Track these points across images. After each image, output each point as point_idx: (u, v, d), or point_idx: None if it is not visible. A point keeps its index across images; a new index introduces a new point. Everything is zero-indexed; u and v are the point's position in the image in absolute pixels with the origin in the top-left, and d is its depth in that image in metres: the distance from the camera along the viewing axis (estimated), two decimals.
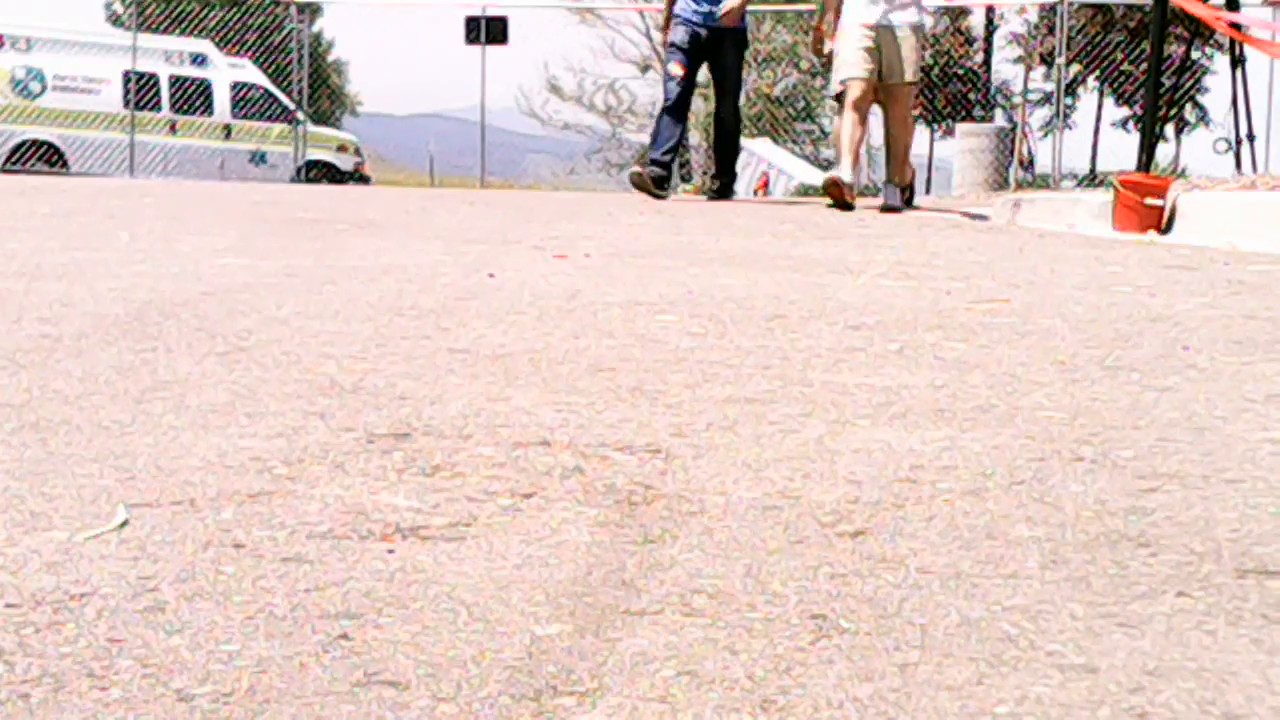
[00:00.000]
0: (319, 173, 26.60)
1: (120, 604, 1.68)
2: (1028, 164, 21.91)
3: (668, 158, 12.33)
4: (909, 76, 11.42)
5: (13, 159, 25.65)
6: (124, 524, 1.99)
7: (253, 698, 1.43)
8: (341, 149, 28.55)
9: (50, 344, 3.40)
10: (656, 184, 12.10)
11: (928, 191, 28.90)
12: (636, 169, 12.38)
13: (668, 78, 12.60)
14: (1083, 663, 1.56)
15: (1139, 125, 12.33)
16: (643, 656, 1.57)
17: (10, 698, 1.41)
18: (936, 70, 36.06)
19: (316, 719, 1.39)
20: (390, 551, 1.92)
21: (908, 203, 11.65)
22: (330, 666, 1.51)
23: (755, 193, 25.41)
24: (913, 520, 2.12)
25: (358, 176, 27.45)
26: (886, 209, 11.40)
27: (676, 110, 12.46)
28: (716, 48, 12.50)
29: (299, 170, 25.97)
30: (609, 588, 1.80)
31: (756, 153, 27.34)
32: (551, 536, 2.02)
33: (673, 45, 12.65)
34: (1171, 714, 1.43)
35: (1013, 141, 20.34)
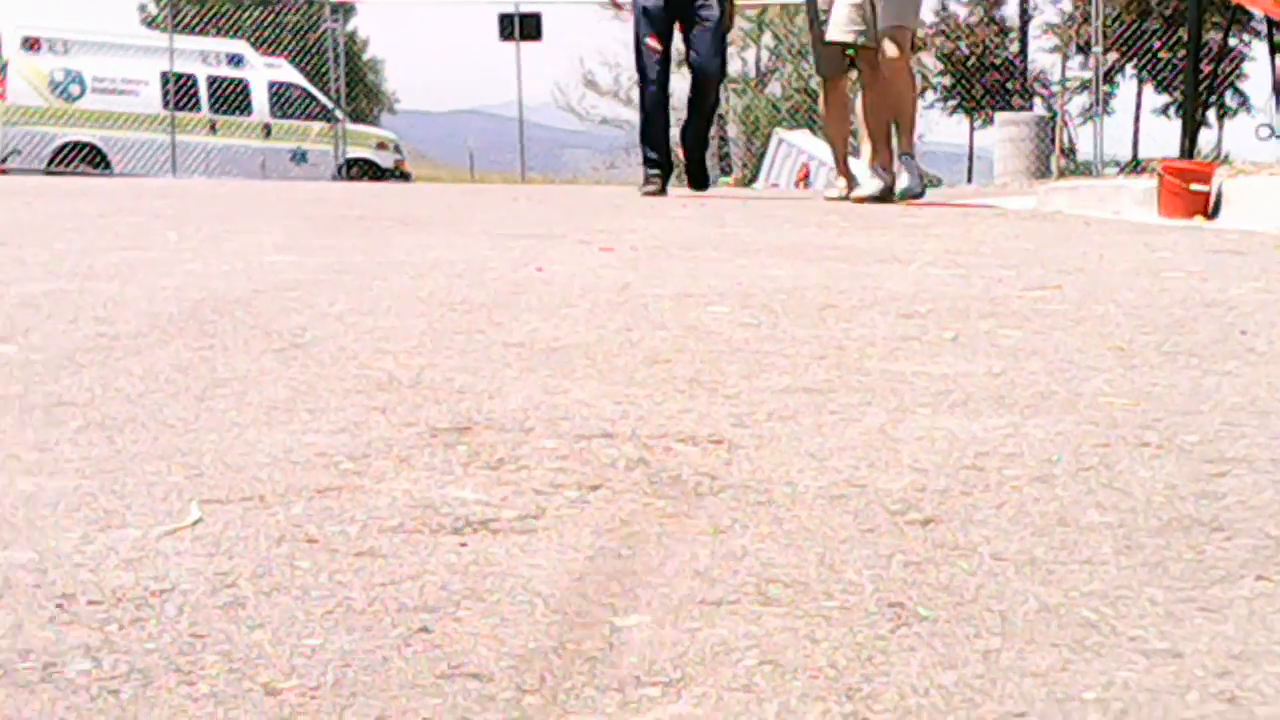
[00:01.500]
0: (359, 170, 26.72)
1: (200, 600, 1.69)
2: (1069, 151, 21.85)
3: (664, 156, 11.42)
4: (900, 19, 9.99)
5: (56, 161, 25.81)
6: (198, 521, 2.00)
7: (339, 691, 1.43)
8: (381, 146, 28.65)
9: (108, 343, 3.42)
10: (662, 190, 11.33)
11: (969, 180, 28.85)
12: (647, 188, 11.30)
13: (645, 55, 11.21)
14: (1166, 647, 1.56)
15: (1180, 112, 12.27)
16: (723, 646, 1.57)
17: (101, 693, 1.42)
18: (973, 60, 35.99)
19: (403, 712, 1.39)
20: (462, 545, 1.93)
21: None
22: (413, 660, 1.52)
23: (796, 184, 25.38)
24: (982, 508, 2.11)
25: (398, 173, 27.53)
26: (907, 195, 10.11)
27: (660, 94, 11.28)
28: (690, 3, 11.07)
29: (339, 168, 26.10)
30: (683, 579, 1.80)
31: (796, 145, 27.28)
32: (621, 528, 2.02)
33: (644, 11, 11.21)
34: (1261, 698, 1.42)
35: (1053, 129, 20.28)
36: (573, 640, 1.58)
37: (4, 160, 24.75)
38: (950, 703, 1.42)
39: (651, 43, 11.11)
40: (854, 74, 10.64)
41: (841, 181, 11.00)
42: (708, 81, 11.34)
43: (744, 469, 2.34)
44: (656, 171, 11.37)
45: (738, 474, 2.31)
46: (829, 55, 10.54)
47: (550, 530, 2.00)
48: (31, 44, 26.54)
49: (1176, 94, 35.85)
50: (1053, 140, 19.91)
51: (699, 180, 11.83)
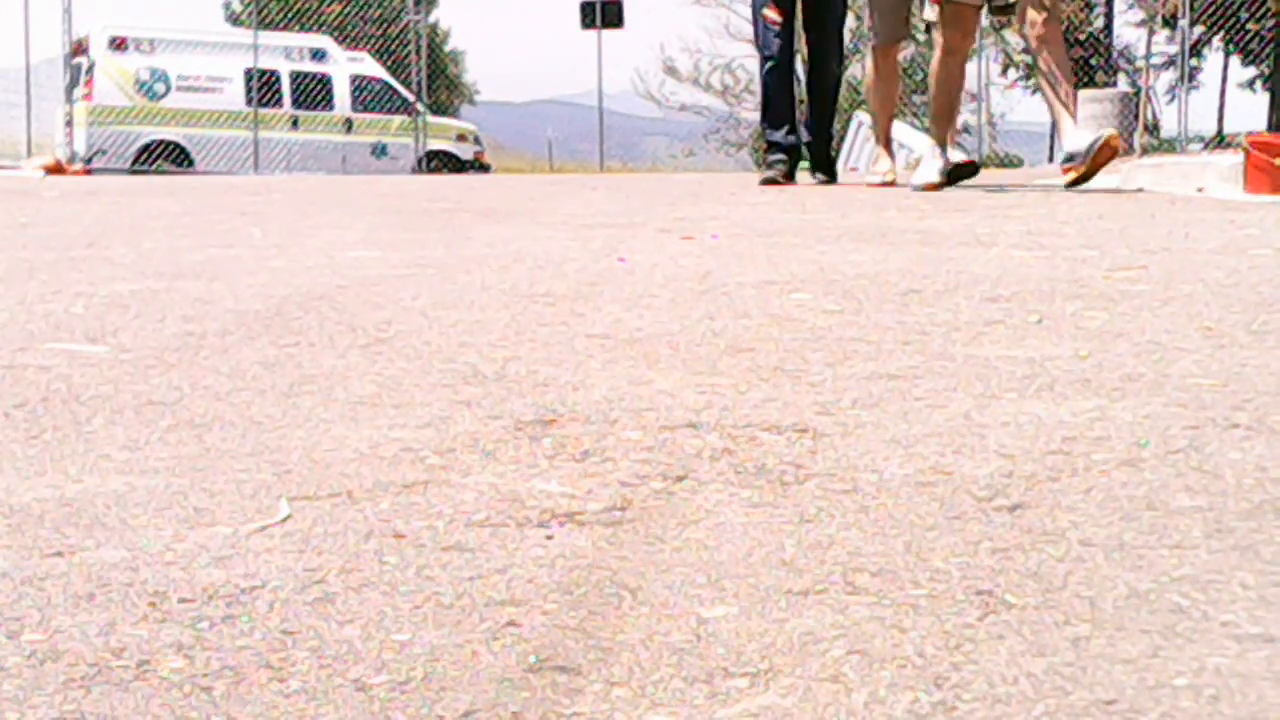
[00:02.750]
0: (439, 163, 26.84)
1: (290, 596, 1.70)
2: (1153, 128, 21.62)
3: (791, 139, 10.35)
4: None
5: (140, 159, 26.08)
6: (287, 518, 2.02)
7: (429, 685, 1.44)
8: (461, 138, 28.75)
9: (195, 341, 3.45)
10: (789, 176, 10.21)
11: (1050, 160, 28.60)
12: (768, 174, 10.26)
13: (764, 27, 10.25)
14: (1259, 632, 1.54)
15: (1267, 85, 12.10)
16: (811, 636, 1.56)
17: (194, 690, 1.43)
18: None
19: (493, 705, 1.40)
20: (549, 538, 1.93)
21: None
22: (501, 654, 1.53)
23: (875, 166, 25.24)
24: (1070, 493, 2.10)
25: (477, 165, 27.63)
26: (922, 186, 9.07)
27: (784, 70, 10.32)
28: None
29: (419, 161, 26.23)
30: (769, 568, 1.80)
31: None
32: (707, 518, 2.02)
33: None
34: None
35: (1136, 106, 20.07)
36: (660, 632, 1.58)
37: (89, 160, 25.03)
38: (1040, 690, 1.41)
39: (769, 13, 10.18)
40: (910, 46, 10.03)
41: (884, 164, 10.02)
42: (825, 83, 10.56)
43: (829, 457, 2.33)
44: (781, 156, 10.34)
45: (823, 462, 2.30)
46: (890, 19, 9.61)
47: (636, 522, 2.00)
48: (118, 44, 26.82)
49: (1264, 66, 35.38)
50: (1136, 117, 19.71)
51: (825, 168, 10.58)
